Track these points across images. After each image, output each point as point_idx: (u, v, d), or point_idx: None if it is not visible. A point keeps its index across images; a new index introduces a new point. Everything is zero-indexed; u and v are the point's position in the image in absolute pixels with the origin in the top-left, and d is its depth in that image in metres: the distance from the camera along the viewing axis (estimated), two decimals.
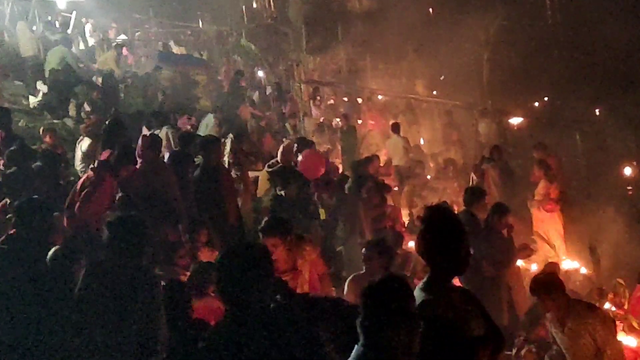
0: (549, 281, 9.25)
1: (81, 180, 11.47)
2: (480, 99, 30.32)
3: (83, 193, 10.64)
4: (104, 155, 12.58)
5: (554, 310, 9.03)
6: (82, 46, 29.45)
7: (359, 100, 31.96)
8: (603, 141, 26.32)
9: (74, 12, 33.57)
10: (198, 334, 6.30)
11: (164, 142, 13.48)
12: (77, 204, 10.54)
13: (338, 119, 25.91)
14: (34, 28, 29.11)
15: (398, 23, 37.72)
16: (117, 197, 11.18)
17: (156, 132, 15.05)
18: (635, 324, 13.14)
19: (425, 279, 5.71)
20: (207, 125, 18.22)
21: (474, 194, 12.80)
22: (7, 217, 9.06)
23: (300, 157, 14.70)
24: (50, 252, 6.98)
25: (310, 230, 12.17)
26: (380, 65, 37.76)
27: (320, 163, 14.80)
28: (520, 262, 14.13)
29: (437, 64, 35.38)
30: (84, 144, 15.26)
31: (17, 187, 10.87)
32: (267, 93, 30.38)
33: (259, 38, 42.46)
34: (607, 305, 14.02)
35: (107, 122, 13.40)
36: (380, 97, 32.81)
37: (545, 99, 30.27)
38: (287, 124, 25.82)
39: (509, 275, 13.11)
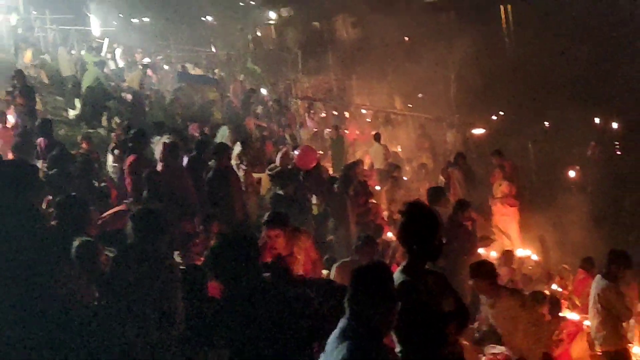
0: (482, 268, 9.34)
1: None
2: (448, 113, 30.38)
3: None
4: (130, 159, 12.59)
5: (486, 293, 9.08)
6: (113, 67, 29.32)
7: (346, 114, 31.99)
8: (551, 149, 26.38)
9: (106, 39, 33.60)
10: (212, 309, 6.30)
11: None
12: None
13: (329, 130, 25.84)
14: (73, 52, 29.05)
15: (379, 49, 38.30)
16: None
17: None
18: (577, 302, 13.21)
19: (404, 264, 5.82)
20: (223, 135, 18.22)
21: (435, 193, 12.83)
22: (50, 211, 9.05)
23: (296, 152, 14.77)
24: (77, 242, 6.96)
25: (305, 223, 12.16)
26: (364, 85, 37.79)
27: (314, 156, 14.88)
28: (481, 250, 14.12)
29: (412, 83, 35.53)
30: (115, 150, 15.26)
31: (58, 186, 10.85)
32: (269, 107, 30.36)
33: (262, 61, 42.62)
34: (554, 287, 14.02)
35: (133, 132, 13.36)
36: (364, 111, 32.84)
37: (502, 113, 30.17)
38: (285, 134, 25.83)
39: (471, 261, 13.11)
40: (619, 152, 26.67)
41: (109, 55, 30.73)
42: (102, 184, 12.50)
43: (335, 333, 4.46)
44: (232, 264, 5.26)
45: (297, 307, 5.62)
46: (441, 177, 19.03)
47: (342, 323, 4.46)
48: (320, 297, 6.49)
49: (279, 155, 15.70)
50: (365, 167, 19.58)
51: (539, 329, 9.50)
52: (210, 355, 5.76)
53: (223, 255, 5.31)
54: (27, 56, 22.82)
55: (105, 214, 9.61)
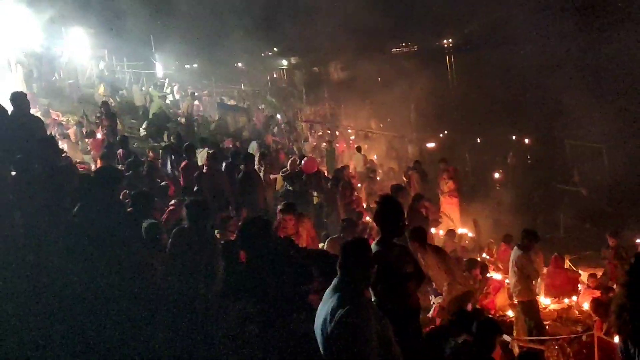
0: (415, 233, 9.34)
1: None
2: (409, 132, 30.36)
3: None
4: (183, 164, 12.71)
5: (418, 250, 9.06)
6: (171, 99, 29.31)
7: (337, 132, 31.93)
8: (481, 158, 26.39)
9: (167, 79, 33.63)
10: (241, 271, 6.33)
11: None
12: None
13: (325, 144, 25.88)
14: (143, 88, 29.04)
15: (360, 86, 38.29)
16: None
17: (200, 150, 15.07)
18: (500, 266, 13.22)
19: (378, 239, 5.98)
20: (253, 148, 18.29)
21: (397, 188, 12.80)
22: (127, 201, 9.04)
23: (303, 161, 14.83)
24: (145, 224, 7.02)
25: (307, 211, 12.15)
26: (349, 111, 37.78)
27: (315, 164, 14.92)
28: (432, 230, 14.11)
29: (383, 110, 35.70)
30: (173, 157, 15.26)
31: (132, 184, 10.86)
32: (282, 128, 30.32)
33: (277, 95, 42.72)
34: (484, 255, 14.06)
35: (185, 145, 13.41)
36: (349, 130, 32.77)
37: (446, 132, 30.20)
38: (294, 147, 25.86)
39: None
40: (529, 160, 26.66)
41: (168, 90, 30.68)
42: (163, 183, 12.50)
43: (330, 288, 4.49)
44: (255, 239, 5.35)
45: (298, 269, 5.74)
46: (404, 178, 19.00)
47: (334, 281, 4.48)
48: (318, 262, 6.52)
49: (289, 162, 15.68)
50: (350, 171, 19.55)
51: (454, 276, 9.47)
52: (240, 304, 5.77)
53: (249, 233, 5.39)
54: (100, 90, 22.84)
55: (164, 215, 9.61)
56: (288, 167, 15.26)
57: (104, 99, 20.70)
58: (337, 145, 26.98)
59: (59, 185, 7.35)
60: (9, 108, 8.87)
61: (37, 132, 9.19)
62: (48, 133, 12.82)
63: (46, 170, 7.70)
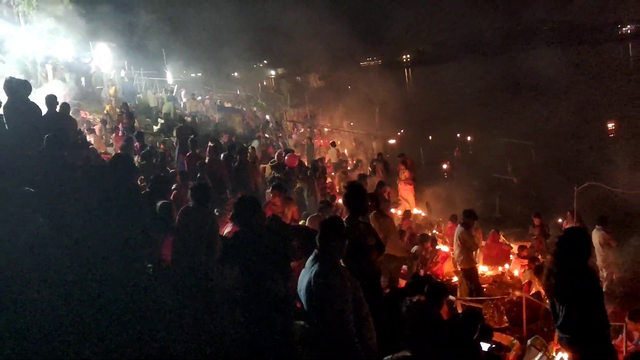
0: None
1: None
2: (374, 130, 30.39)
3: None
4: (188, 154, 12.70)
5: (374, 223, 9.06)
6: (179, 102, 29.10)
7: (315, 130, 31.86)
8: (432, 152, 26.48)
9: (176, 85, 33.53)
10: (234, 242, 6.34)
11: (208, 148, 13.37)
12: None
13: (305, 140, 25.77)
14: (155, 93, 28.85)
15: (333, 93, 38.29)
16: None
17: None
18: (447, 240, 13.26)
19: (346, 217, 5.94)
20: (256, 144, 18.37)
21: (361, 177, 12.85)
22: (143, 185, 8.95)
23: (286, 157, 14.69)
24: (159, 203, 6.98)
25: (290, 194, 12.11)
26: (325, 113, 37.90)
27: (296, 159, 14.75)
28: (392, 210, 14.15)
29: (353, 113, 35.63)
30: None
31: (147, 171, 10.79)
32: (270, 126, 30.26)
33: (267, 100, 42.58)
34: (434, 231, 14.11)
35: (190, 139, 13.31)
36: (325, 129, 32.72)
37: (402, 131, 30.26)
38: (280, 142, 25.76)
39: (387, 217, 13.17)
40: (471, 154, 26.84)
41: (177, 95, 30.60)
42: (172, 170, 12.41)
43: (310, 257, 4.47)
44: (247, 213, 5.34)
45: (282, 241, 5.73)
46: (369, 168, 19.02)
47: (315, 251, 4.46)
48: (299, 235, 6.52)
49: (276, 154, 15.70)
50: (326, 162, 19.60)
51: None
52: (232, 271, 5.76)
53: (242, 209, 5.39)
54: (111, 90, 22.59)
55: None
56: (276, 158, 15.22)
57: (120, 101, 20.72)
58: (315, 140, 27.03)
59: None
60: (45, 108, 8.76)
61: (71, 128, 9.13)
62: (78, 128, 12.77)
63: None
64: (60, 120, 9.02)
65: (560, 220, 13.75)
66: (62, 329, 4.62)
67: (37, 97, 8.61)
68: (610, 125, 29.97)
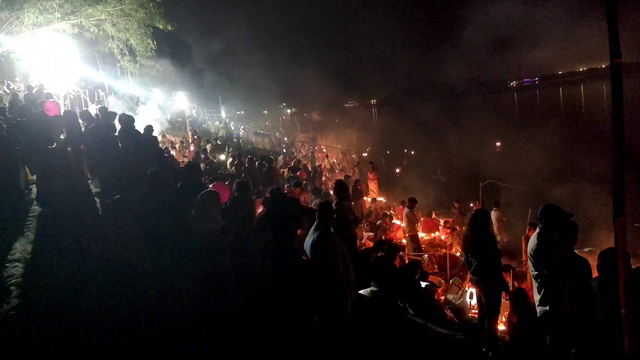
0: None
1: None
2: (354, 148, 30.26)
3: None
4: (235, 162, 12.50)
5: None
6: (230, 128, 28.98)
7: (316, 147, 31.71)
8: (392, 161, 26.25)
9: (227, 118, 33.76)
10: (265, 219, 6.21)
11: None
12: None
13: (310, 153, 25.63)
14: (214, 122, 28.67)
15: (328, 124, 37.84)
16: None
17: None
18: (399, 217, 13.14)
19: (335, 202, 5.83)
20: (282, 157, 18.39)
21: (344, 177, 12.87)
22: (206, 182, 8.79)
23: (298, 173, 14.56)
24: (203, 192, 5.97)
25: (302, 186, 12.04)
26: (322, 137, 37.64)
27: (304, 174, 14.57)
28: (365, 198, 14.07)
29: (341, 137, 35.46)
30: (230, 160, 15.02)
31: (209, 174, 10.60)
32: (286, 144, 30.15)
33: (285, 128, 42.39)
34: (391, 212, 13.98)
35: (237, 154, 13.18)
36: (322, 147, 32.58)
37: (369, 149, 30.02)
38: (294, 154, 25.67)
39: (361, 201, 13.08)
40: (414, 161, 26.72)
41: (228, 125, 30.51)
42: (226, 172, 12.32)
43: (313, 227, 4.40)
44: (274, 198, 5.26)
45: (297, 213, 5.67)
46: (351, 171, 18.90)
47: (315, 223, 4.38)
48: (307, 213, 6.48)
49: (292, 163, 15.64)
50: (322, 167, 19.49)
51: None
52: (264, 235, 5.61)
53: (272, 196, 5.29)
54: (188, 122, 22.41)
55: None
56: (292, 164, 15.17)
57: (193, 128, 20.66)
58: (315, 154, 26.93)
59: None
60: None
61: (155, 145, 8.99)
62: (165, 147, 12.67)
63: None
64: (153, 141, 8.97)
65: (472, 205, 13.71)
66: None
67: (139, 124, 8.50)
68: (497, 144, 30.01)
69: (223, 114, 38.93)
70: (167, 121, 22.11)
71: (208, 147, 16.79)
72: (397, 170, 23.60)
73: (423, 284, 7.10)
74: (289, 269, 4.35)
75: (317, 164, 21.25)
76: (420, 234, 11.95)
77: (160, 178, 4.76)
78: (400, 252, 8.65)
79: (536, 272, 4.21)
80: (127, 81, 21.78)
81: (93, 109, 13.48)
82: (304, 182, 13.85)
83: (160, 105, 23.96)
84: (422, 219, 12.68)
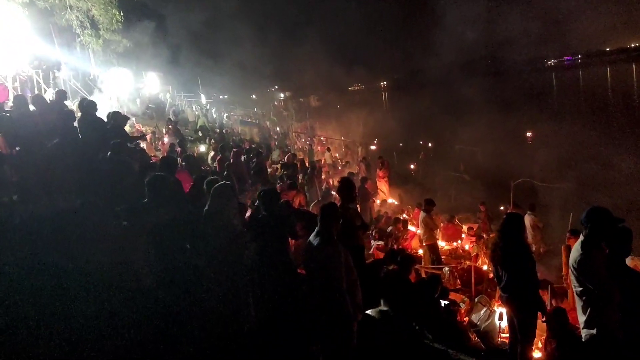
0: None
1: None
2: (359, 139, 30.28)
3: None
4: (218, 157, 12.55)
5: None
6: (211, 117, 29.01)
7: (314, 139, 31.77)
8: (404, 156, 26.28)
9: (208, 105, 33.55)
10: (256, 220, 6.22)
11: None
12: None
13: (306, 146, 25.70)
14: (192, 110, 28.77)
15: (328, 110, 37.92)
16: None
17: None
18: (414, 222, 13.16)
19: (339, 204, 5.88)
20: (277, 152, 18.39)
21: (349, 174, 12.87)
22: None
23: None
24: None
25: (298, 187, 12.07)
26: (322, 126, 37.73)
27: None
28: (374, 199, 14.08)
29: (343, 125, 35.51)
30: (212, 154, 15.08)
31: (190, 170, 10.65)
32: (280, 136, 30.23)
33: (277, 116, 42.59)
34: (404, 216, 14.04)
35: (220, 146, 13.22)
36: (322, 138, 32.60)
37: (376, 140, 30.00)
38: (288, 147, 25.76)
39: (369, 204, 13.10)
40: (432, 156, 26.79)
41: (209, 110, 30.58)
42: (207, 169, 12.33)
43: (313, 233, 4.41)
44: (266, 199, 5.26)
45: (291, 219, 5.67)
46: (356, 167, 18.97)
47: (317, 228, 4.40)
48: (303, 217, 6.47)
49: (285, 157, 15.66)
50: (322, 163, 19.55)
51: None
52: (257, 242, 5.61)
53: (264, 196, 5.31)
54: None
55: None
56: (285, 160, 15.19)
57: (167, 116, 20.74)
58: (314, 147, 26.97)
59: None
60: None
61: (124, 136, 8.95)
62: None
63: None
64: (120, 131, 8.94)
65: (502, 207, 13.73)
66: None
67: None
68: (528, 134, 30.05)
69: (203, 99, 38.92)
70: (135, 108, 22.13)
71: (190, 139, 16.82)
72: (412, 167, 23.63)
73: (443, 303, 7.09)
74: (282, 286, 4.34)
75: (316, 158, 21.31)
76: (440, 243, 11.96)
77: (162, 184, 5.03)
78: (416, 265, 8.65)
79: (580, 289, 4.02)
80: (89, 59, 21.77)
81: (49, 94, 13.43)
82: (301, 181, 13.88)
83: (127, 88, 23.94)
84: (441, 224, 12.68)
